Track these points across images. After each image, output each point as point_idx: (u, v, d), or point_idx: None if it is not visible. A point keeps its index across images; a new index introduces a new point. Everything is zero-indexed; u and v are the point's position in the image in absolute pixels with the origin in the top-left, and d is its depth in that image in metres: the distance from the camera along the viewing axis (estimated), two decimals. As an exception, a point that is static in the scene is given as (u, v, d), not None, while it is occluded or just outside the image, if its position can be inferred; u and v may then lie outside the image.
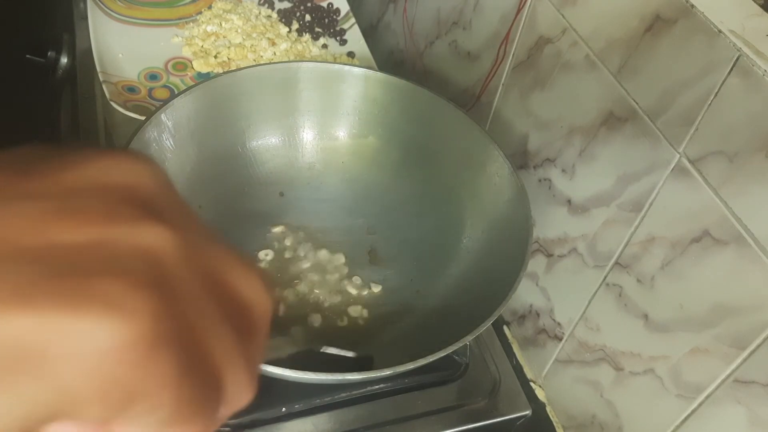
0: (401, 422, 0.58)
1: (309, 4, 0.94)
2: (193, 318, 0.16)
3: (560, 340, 0.63)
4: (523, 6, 0.64)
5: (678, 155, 0.47)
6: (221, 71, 0.81)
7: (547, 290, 0.64)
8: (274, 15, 0.92)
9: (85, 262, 0.15)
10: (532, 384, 0.67)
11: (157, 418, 0.15)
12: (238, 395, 0.18)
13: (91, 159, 0.17)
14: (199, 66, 0.82)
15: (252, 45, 0.85)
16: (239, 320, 0.18)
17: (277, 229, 0.66)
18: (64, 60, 0.85)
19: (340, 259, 0.65)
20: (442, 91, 0.67)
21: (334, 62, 0.84)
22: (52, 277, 0.14)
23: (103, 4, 0.86)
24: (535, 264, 0.65)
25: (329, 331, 0.60)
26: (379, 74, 0.68)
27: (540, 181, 0.63)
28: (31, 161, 0.16)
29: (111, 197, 0.16)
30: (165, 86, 0.79)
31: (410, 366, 0.47)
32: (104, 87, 0.74)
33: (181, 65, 0.83)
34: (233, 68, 0.77)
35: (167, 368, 0.15)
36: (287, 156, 0.70)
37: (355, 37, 0.92)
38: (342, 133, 0.70)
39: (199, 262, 0.17)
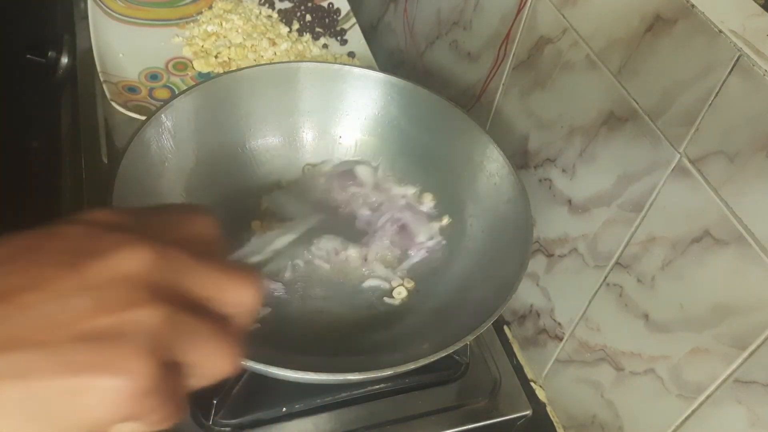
0: (401, 422, 0.58)
1: (309, 4, 0.94)
2: (179, 354, 0.25)
3: (561, 340, 0.63)
4: (523, 6, 0.64)
5: (678, 155, 0.47)
6: (222, 71, 0.81)
7: (547, 290, 0.64)
8: (275, 15, 0.92)
9: (106, 339, 0.23)
10: (532, 384, 0.67)
11: (152, 422, 0.25)
12: (212, 374, 0.27)
13: (114, 250, 0.25)
14: (200, 66, 0.82)
15: (252, 45, 0.85)
16: (223, 317, 0.27)
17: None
18: (64, 60, 0.85)
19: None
20: (442, 91, 0.67)
21: (335, 62, 0.84)
22: (85, 351, 0.23)
23: (103, 3, 0.86)
24: (536, 264, 0.65)
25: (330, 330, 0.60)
26: (379, 74, 0.68)
27: (540, 181, 0.63)
28: (70, 251, 0.25)
29: (126, 287, 0.24)
30: (165, 86, 0.79)
31: (410, 366, 0.47)
32: (105, 87, 0.74)
33: (181, 65, 0.83)
34: (234, 68, 0.77)
35: (156, 403, 0.24)
36: (287, 156, 0.69)
37: (356, 37, 0.92)
38: (342, 133, 0.70)
39: (191, 306, 0.26)
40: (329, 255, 0.63)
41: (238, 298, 0.27)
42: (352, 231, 0.65)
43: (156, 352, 0.24)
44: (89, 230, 0.26)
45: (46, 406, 0.23)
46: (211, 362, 0.26)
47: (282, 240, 0.49)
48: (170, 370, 0.25)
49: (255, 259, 0.43)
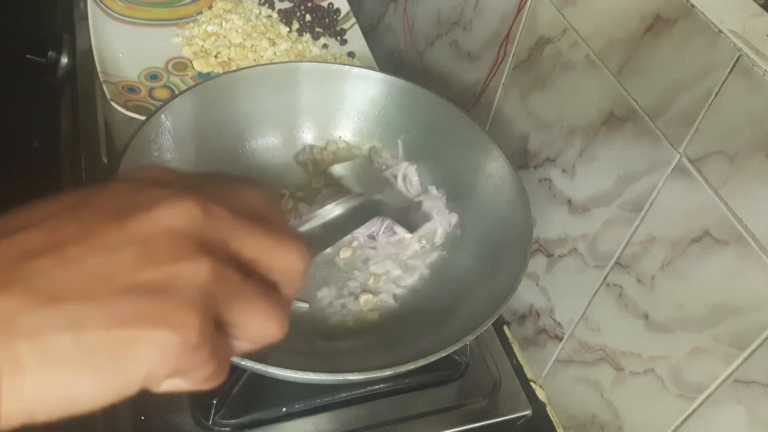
0: (401, 422, 0.58)
1: (309, 4, 0.94)
2: (225, 311, 0.25)
3: (560, 340, 0.63)
4: (523, 6, 0.64)
5: (678, 155, 0.47)
6: (221, 71, 0.81)
7: (547, 290, 0.64)
8: (275, 15, 0.92)
9: (155, 292, 0.23)
10: (532, 384, 0.67)
11: (197, 379, 0.25)
12: (258, 337, 0.27)
13: (158, 204, 0.24)
14: (200, 66, 0.82)
15: (252, 45, 0.85)
16: (271, 283, 0.27)
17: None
18: (64, 60, 0.85)
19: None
20: (442, 91, 0.67)
21: (335, 62, 0.84)
22: (134, 304, 0.23)
23: (103, 4, 0.86)
24: (536, 264, 0.65)
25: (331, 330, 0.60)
26: (379, 74, 0.68)
27: (540, 181, 0.63)
28: (116, 206, 0.25)
29: (171, 240, 0.24)
30: (165, 86, 0.79)
31: (410, 366, 0.47)
32: (105, 87, 0.74)
33: (181, 65, 0.83)
34: (233, 68, 0.77)
35: (204, 359, 0.24)
36: (287, 156, 0.70)
37: (356, 37, 0.92)
38: (342, 133, 0.70)
39: (238, 266, 0.26)
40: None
41: (283, 263, 0.27)
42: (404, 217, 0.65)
43: (204, 307, 0.24)
44: (136, 186, 0.26)
45: (96, 358, 0.22)
46: (257, 324, 0.26)
47: (329, 211, 0.49)
48: (218, 327, 0.25)
49: (304, 228, 0.43)
